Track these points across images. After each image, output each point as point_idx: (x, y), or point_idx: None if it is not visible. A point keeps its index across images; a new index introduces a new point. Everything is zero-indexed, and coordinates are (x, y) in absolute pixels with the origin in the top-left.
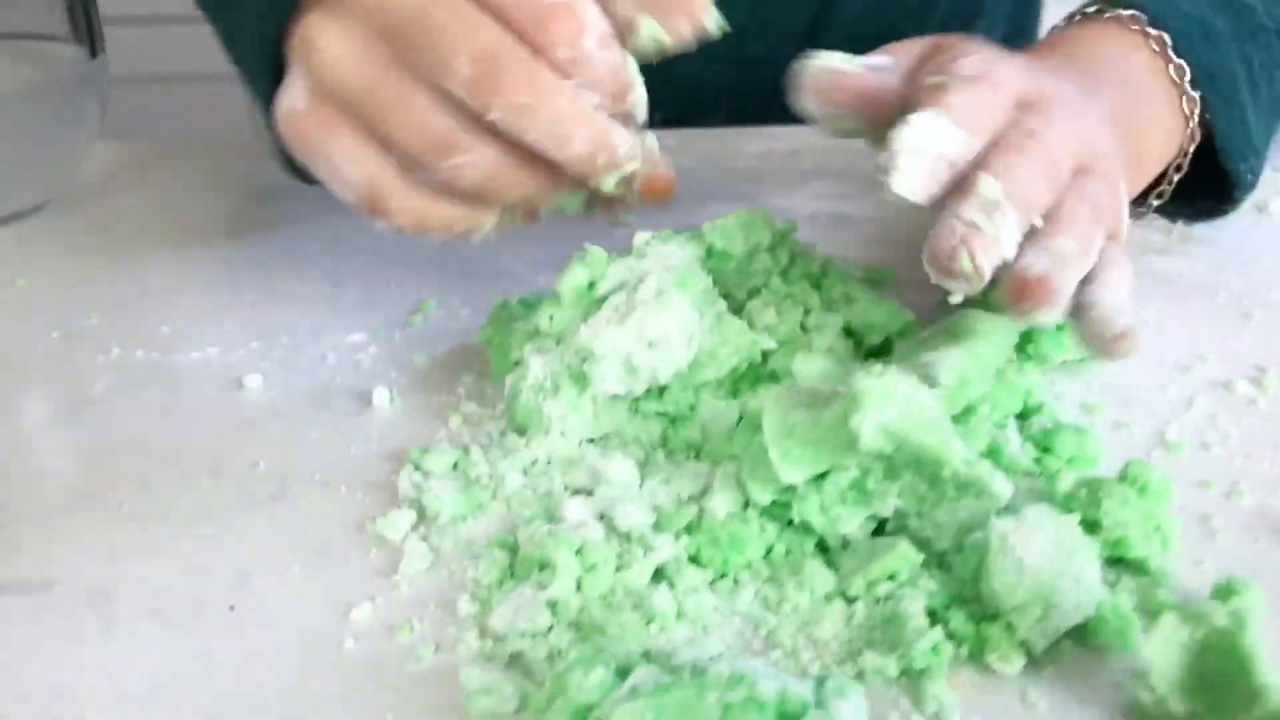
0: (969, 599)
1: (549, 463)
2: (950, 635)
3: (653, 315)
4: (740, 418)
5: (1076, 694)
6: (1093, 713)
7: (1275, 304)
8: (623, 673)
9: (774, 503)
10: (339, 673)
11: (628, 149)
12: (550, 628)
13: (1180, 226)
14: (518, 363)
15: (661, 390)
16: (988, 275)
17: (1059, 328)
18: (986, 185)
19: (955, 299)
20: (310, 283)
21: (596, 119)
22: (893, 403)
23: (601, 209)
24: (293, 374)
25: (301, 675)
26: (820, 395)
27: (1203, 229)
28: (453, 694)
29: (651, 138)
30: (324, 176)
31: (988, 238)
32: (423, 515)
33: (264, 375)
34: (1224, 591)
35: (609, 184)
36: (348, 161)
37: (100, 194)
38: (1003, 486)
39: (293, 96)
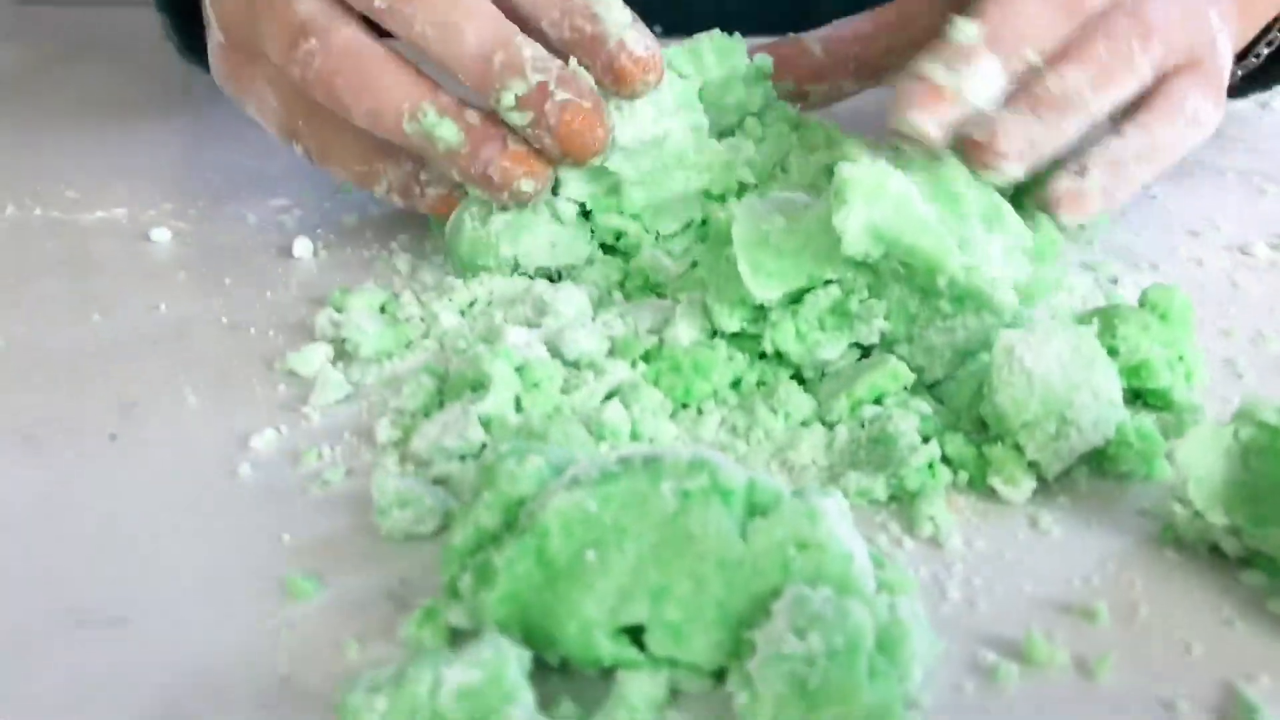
0: (967, 429)
1: (490, 303)
2: (948, 460)
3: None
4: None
5: (1095, 521)
6: (1115, 540)
7: None
8: (563, 470)
9: (743, 333)
10: (230, 498)
11: (537, 57)
12: (483, 447)
13: None
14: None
15: (619, 236)
16: (937, 133)
17: None
18: (959, 30)
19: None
20: (235, 154)
21: (499, 17)
22: (884, 199)
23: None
24: (207, 231)
25: (188, 501)
26: (797, 204)
27: None
28: (362, 517)
29: (585, 76)
30: (251, 115)
31: (943, 95)
32: (342, 352)
33: (175, 233)
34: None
35: (509, 100)
36: (261, 103)
37: (17, 70)
38: (1007, 296)
39: (211, 47)
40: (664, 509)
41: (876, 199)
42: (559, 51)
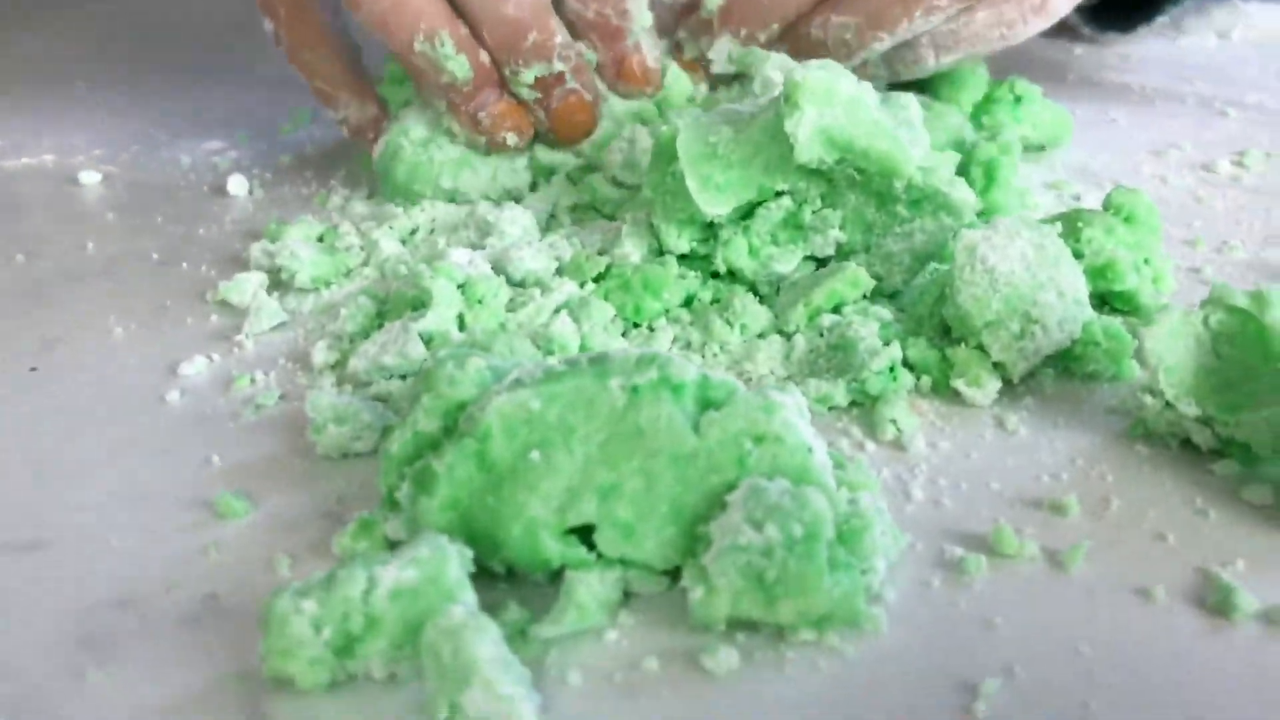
0: (930, 334)
1: (432, 230)
2: (910, 364)
3: None
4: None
5: (1063, 420)
6: (1083, 438)
7: (1250, 105)
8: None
9: (694, 254)
10: (157, 423)
11: (564, 44)
12: (424, 363)
13: (1139, 48)
14: (399, 115)
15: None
16: None
17: (1016, 100)
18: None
19: None
20: (170, 102)
21: None
22: (836, 103)
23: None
24: (139, 174)
25: (111, 428)
26: (744, 114)
27: (1159, 49)
28: (297, 439)
29: (591, 65)
30: None
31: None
32: (278, 282)
33: (105, 176)
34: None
35: (527, 76)
36: None
37: None
38: (966, 195)
39: None
40: (612, 405)
41: (828, 103)
42: (571, 23)
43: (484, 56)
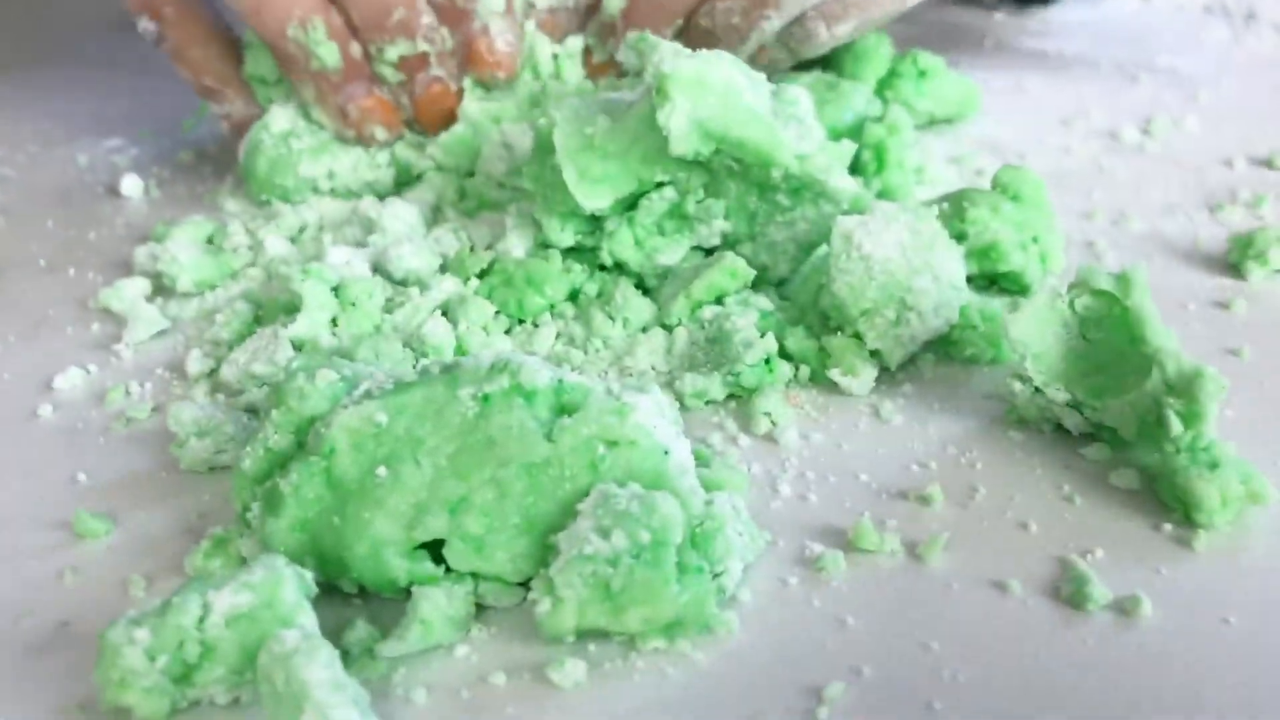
0: (811, 323)
1: (321, 227)
2: (787, 355)
3: None
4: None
5: (939, 407)
6: (957, 425)
7: (1163, 68)
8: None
9: (581, 246)
10: (24, 440)
11: (430, 26)
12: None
13: (1059, 13)
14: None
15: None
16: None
17: (920, 74)
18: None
19: None
20: (70, 100)
21: None
22: (709, 92)
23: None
24: (33, 175)
25: None
26: (621, 104)
27: (1080, 13)
28: (166, 453)
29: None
30: None
31: None
32: (160, 286)
33: None
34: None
35: (391, 54)
36: None
37: None
38: (843, 183)
39: None
40: (463, 415)
41: (701, 92)
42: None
43: (355, 50)
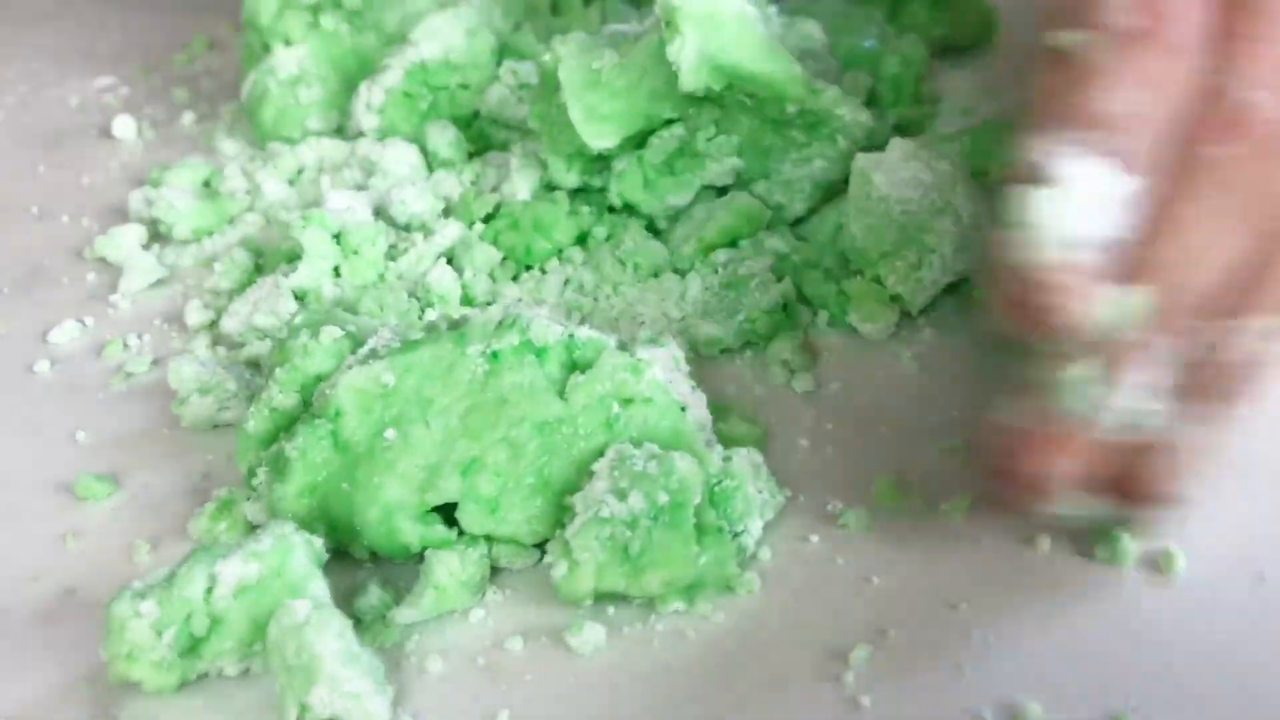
0: (829, 266)
1: (320, 169)
2: (805, 299)
3: None
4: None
5: (961, 353)
6: (981, 370)
7: None
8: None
9: (588, 187)
10: (22, 398)
11: None
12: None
13: None
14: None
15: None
16: None
17: None
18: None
19: None
20: (59, 37)
21: None
22: (720, 25)
23: None
24: (23, 117)
25: None
26: (630, 36)
27: None
28: (166, 408)
29: None
30: None
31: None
32: (157, 233)
33: None
34: None
35: None
36: None
37: None
38: (858, 114)
39: None
40: (473, 374)
41: (712, 25)
42: None
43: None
